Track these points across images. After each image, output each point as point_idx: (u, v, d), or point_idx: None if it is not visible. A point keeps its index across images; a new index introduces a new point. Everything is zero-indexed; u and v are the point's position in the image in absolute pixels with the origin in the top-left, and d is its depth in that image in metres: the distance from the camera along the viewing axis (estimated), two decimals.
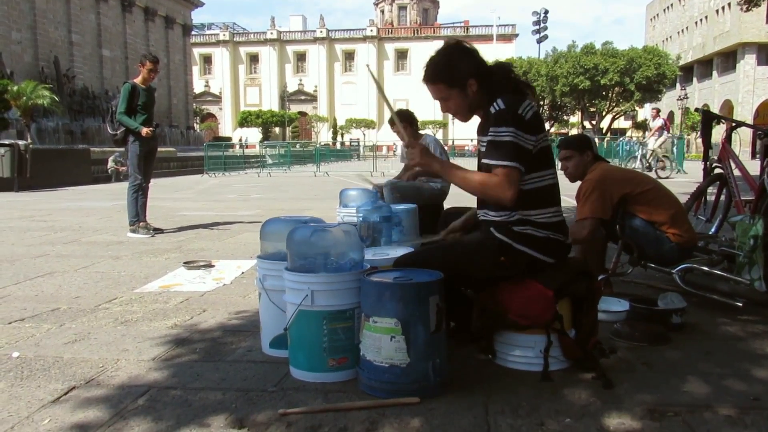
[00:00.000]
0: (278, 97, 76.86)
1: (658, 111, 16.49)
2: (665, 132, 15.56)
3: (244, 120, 65.29)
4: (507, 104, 2.25)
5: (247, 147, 35.85)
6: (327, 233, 2.38)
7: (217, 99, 76.87)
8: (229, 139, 57.61)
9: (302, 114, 73.77)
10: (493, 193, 2.24)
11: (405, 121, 4.56)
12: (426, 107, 60.86)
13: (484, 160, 2.29)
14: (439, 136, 64.60)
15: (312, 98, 76.51)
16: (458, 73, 2.30)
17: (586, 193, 3.31)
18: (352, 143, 49.52)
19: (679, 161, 17.53)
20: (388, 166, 21.14)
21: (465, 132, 66.14)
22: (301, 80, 77.15)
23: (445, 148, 4.88)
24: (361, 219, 3.28)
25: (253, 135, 65.74)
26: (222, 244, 5.79)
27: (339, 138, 66.62)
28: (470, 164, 2.61)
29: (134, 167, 6.29)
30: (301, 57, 77.20)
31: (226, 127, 75.07)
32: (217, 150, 24.00)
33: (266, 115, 66.08)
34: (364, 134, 66.85)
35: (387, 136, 62.67)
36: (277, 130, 72.11)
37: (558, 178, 2.44)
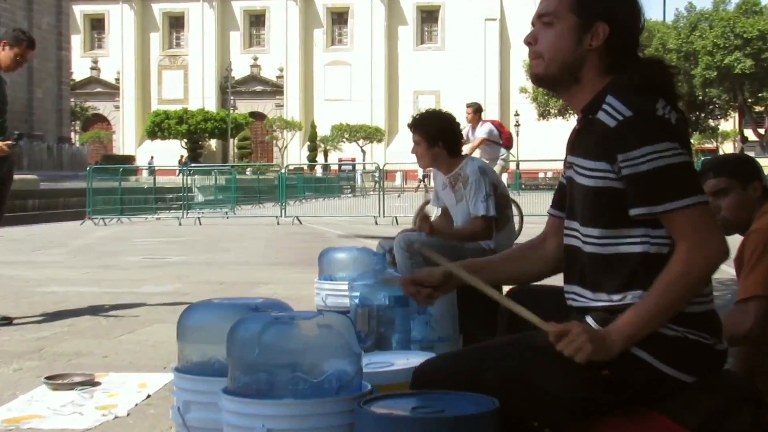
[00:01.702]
0: (216, 88, 64.87)
1: None
2: None
3: (157, 127, 51.95)
4: (634, 106, 1.80)
5: (159, 173, 28.40)
6: (294, 329, 1.89)
7: (111, 91, 59.85)
8: (130, 159, 49.35)
9: (257, 117, 63.93)
10: (699, 273, 1.78)
11: (424, 132, 4.18)
12: (463, 97, 60.64)
13: (637, 212, 1.78)
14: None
15: (274, 89, 65.35)
16: (595, 3, 1.88)
17: (753, 254, 2.52)
18: (344, 167, 44.82)
19: None
20: (404, 208, 18.10)
21: (537, 149, 66.07)
22: (256, 59, 64.95)
23: (502, 183, 4.39)
24: (357, 302, 2.83)
25: (171, 153, 53.00)
26: (113, 344, 4.62)
27: (320, 158, 60.50)
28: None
29: None
30: (256, 19, 65.82)
31: (126, 138, 61.28)
32: (109, 178, 19.80)
33: (195, 119, 54.16)
34: (363, 152, 59.90)
35: (403, 155, 63.11)
36: (213, 144, 62.83)
37: None
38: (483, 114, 10.62)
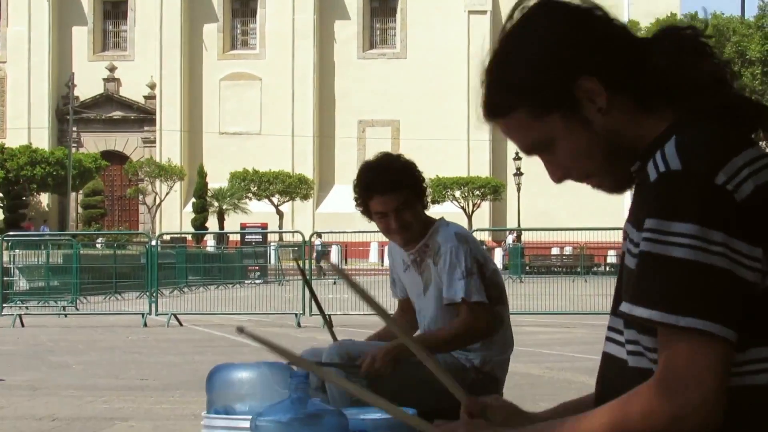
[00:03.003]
0: (50, 115, 69.69)
1: None
2: None
3: None
4: (689, 158, 1.85)
5: None
6: None
7: None
8: None
9: (114, 159, 67.60)
10: (662, 421, 1.83)
11: (413, 187, 4.41)
12: (450, 147, 60.81)
13: (621, 307, 1.93)
14: (483, 217, 62.60)
15: (142, 116, 70.15)
16: (543, 70, 1.99)
17: None
18: (249, 237, 44.93)
19: None
20: (342, 302, 18.76)
21: (550, 209, 67.15)
22: (113, 69, 69.23)
23: (493, 262, 4.62)
24: None
25: None
26: None
27: (213, 223, 61.09)
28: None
29: None
30: (114, 8, 71.17)
31: None
32: None
33: (16, 161, 58.42)
34: (280, 214, 61.46)
35: (341, 219, 63.12)
36: (44, 199, 66.13)
37: None
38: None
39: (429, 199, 4.57)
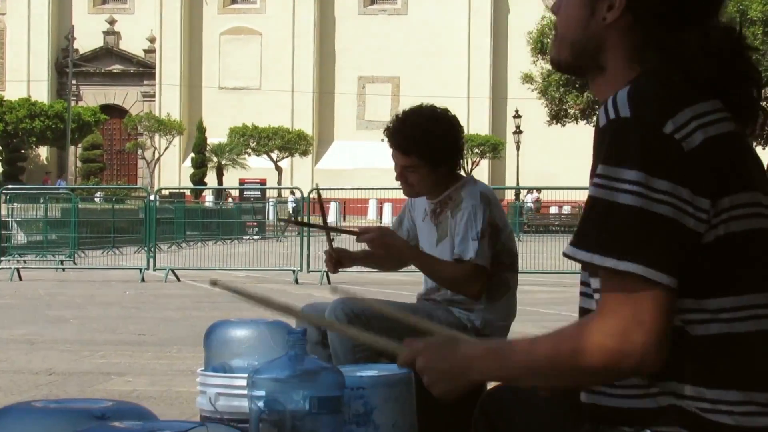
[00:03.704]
0: (49, 67, 69.40)
1: None
2: None
3: None
4: (639, 106, 1.88)
5: None
6: None
7: None
8: None
9: (113, 113, 67.60)
10: (592, 360, 1.89)
11: (426, 154, 4.34)
12: (451, 96, 60.53)
13: (564, 250, 1.99)
14: (482, 175, 61.43)
15: (142, 70, 69.79)
16: None
17: None
18: (248, 193, 44.41)
19: None
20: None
21: (551, 164, 67.61)
22: (113, 22, 68.81)
23: (510, 227, 4.68)
24: (261, 405, 2.75)
25: None
26: None
27: (212, 178, 61.72)
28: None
29: None
30: None
31: None
32: None
33: (15, 114, 58.09)
34: (279, 170, 61.62)
35: (340, 175, 63.37)
36: (42, 153, 66.46)
37: None
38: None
39: (460, 160, 4.55)
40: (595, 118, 2.06)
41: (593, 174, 1.97)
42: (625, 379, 1.99)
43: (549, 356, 1.98)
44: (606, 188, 1.87)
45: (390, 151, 4.46)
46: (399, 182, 4.48)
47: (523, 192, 40.02)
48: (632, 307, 1.86)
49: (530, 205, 43.85)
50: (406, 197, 4.68)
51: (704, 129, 1.89)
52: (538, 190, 43.91)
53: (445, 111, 4.56)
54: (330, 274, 16.59)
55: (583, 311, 2.12)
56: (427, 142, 4.35)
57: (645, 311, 1.86)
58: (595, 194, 1.89)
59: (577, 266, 2.07)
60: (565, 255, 1.96)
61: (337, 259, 4.56)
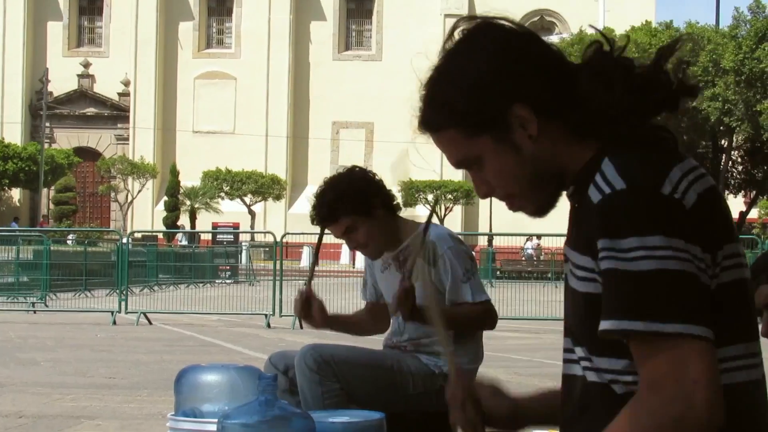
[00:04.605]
0: (23, 109, 68.71)
1: None
2: None
3: None
4: (632, 176, 1.90)
5: None
6: None
7: None
8: None
9: (86, 156, 66.87)
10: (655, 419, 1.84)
11: (352, 207, 4.37)
12: (423, 151, 60.46)
13: (603, 325, 1.90)
14: (455, 221, 61.87)
15: (116, 113, 68.91)
16: (478, 95, 2.03)
17: None
18: (221, 237, 44.50)
19: None
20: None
21: (521, 215, 66.90)
22: (87, 65, 68.29)
23: (472, 254, 4.58)
24: None
25: None
26: None
27: (185, 221, 60.95)
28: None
29: None
30: (90, 4, 70.27)
31: None
32: None
33: None
34: (252, 214, 61.45)
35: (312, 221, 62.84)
36: (15, 195, 65.39)
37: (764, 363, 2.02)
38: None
39: (396, 202, 4.58)
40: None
41: (582, 248, 1.97)
42: None
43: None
44: (623, 260, 1.86)
45: None
46: (357, 251, 4.50)
47: (522, 239, 39.44)
48: (685, 367, 1.83)
49: (531, 251, 43.23)
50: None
51: (694, 186, 1.91)
52: (539, 236, 43.87)
53: (350, 168, 4.66)
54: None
55: (567, 378, 2.11)
56: (343, 197, 4.39)
57: (697, 369, 1.83)
58: (615, 266, 1.87)
59: (549, 312, 2.10)
60: (604, 331, 1.89)
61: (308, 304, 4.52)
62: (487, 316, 4.35)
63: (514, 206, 2.15)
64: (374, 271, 4.65)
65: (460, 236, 4.71)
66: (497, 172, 2.09)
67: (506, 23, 2.09)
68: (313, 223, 4.57)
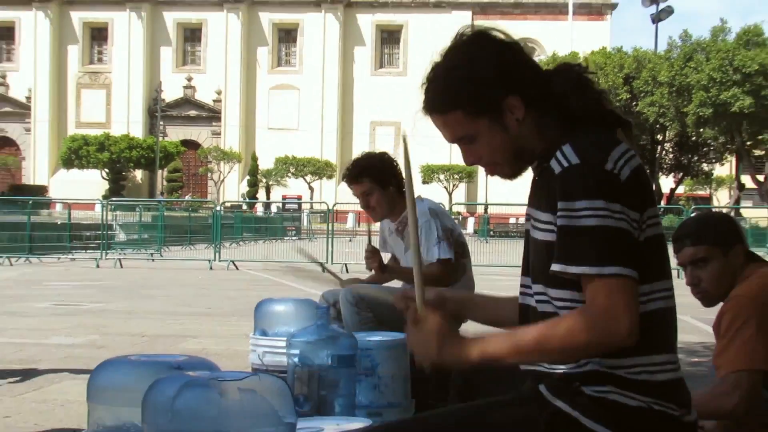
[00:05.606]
0: (144, 112, 65.29)
1: None
2: None
3: (74, 154, 52.14)
4: (584, 155, 1.90)
5: (75, 207, 25.56)
6: (212, 393, 1.78)
7: (21, 111, 59.21)
8: (42, 190, 49.41)
9: (190, 146, 64.71)
10: (585, 340, 1.85)
11: (374, 176, 4.34)
12: (436, 142, 60.28)
13: (553, 268, 1.91)
14: (460, 195, 60.62)
15: (211, 114, 66.69)
16: (483, 86, 2.00)
17: (733, 323, 2.59)
18: (288, 206, 44.45)
19: None
20: (355, 254, 17.61)
21: (509, 191, 67.88)
22: (190, 79, 65.57)
23: (458, 227, 4.46)
24: (296, 361, 2.78)
25: (89, 184, 53.50)
26: (16, 404, 4.60)
27: (262, 194, 60.91)
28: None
29: None
30: (192, 34, 66.39)
31: (38, 166, 59.99)
32: (17, 212, 19.99)
33: (119, 146, 54.56)
34: (311, 189, 60.80)
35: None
36: (138, 175, 62.34)
37: (675, 296, 2.01)
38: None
39: (406, 182, 4.53)
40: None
41: (543, 206, 1.96)
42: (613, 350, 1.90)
43: (549, 338, 1.89)
44: (574, 217, 1.87)
45: None
46: (366, 210, 4.46)
47: (509, 208, 39.30)
48: (623, 300, 1.84)
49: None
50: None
51: (629, 163, 1.91)
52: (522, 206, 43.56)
53: (382, 152, 4.62)
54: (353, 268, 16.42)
55: (523, 307, 2.10)
56: (370, 167, 4.38)
57: (624, 299, 1.85)
58: (567, 223, 1.88)
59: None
60: (555, 272, 1.90)
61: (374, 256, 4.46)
62: (441, 273, 4.19)
63: (494, 172, 2.14)
64: (386, 234, 4.64)
65: (461, 205, 4.66)
66: (489, 147, 2.07)
67: (501, 34, 2.09)
68: (342, 179, 4.53)
